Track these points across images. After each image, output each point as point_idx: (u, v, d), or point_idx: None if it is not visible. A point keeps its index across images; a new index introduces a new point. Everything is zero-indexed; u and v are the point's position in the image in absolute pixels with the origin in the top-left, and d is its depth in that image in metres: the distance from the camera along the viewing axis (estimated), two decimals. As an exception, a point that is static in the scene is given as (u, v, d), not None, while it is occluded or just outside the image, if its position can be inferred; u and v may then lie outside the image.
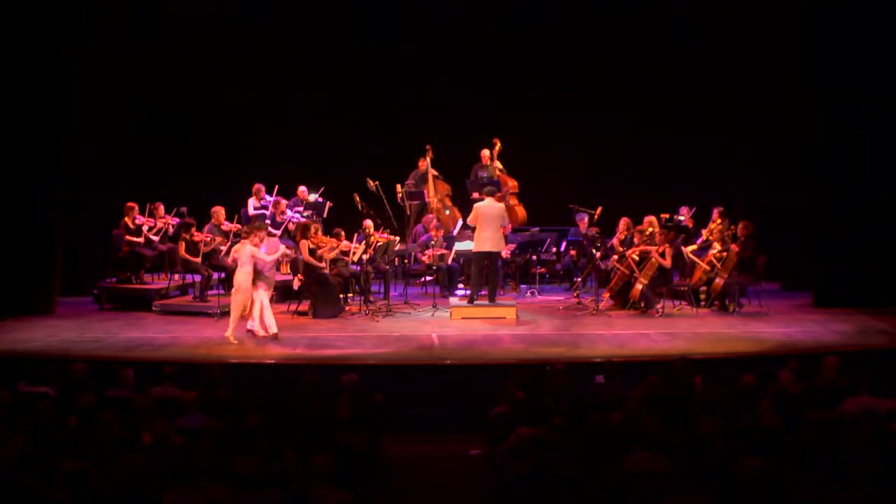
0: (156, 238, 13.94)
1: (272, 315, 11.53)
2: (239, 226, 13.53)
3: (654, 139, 16.07)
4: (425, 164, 15.32)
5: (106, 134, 14.60)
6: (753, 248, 12.75)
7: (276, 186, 14.76)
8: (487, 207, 12.76)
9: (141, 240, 13.75)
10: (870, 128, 13.05)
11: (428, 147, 15.27)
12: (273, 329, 11.44)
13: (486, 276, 12.96)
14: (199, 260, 13.15)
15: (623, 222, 13.71)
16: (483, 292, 12.92)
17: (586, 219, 14.46)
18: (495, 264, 13.08)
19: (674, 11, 15.39)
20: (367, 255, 13.14)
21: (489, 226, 12.67)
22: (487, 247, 12.70)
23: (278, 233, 14.11)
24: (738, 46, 14.95)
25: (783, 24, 13.99)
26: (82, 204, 14.22)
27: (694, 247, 13.24)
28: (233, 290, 11.41)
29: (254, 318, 11.47)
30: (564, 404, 7.84)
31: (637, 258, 12.90)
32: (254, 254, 11.30)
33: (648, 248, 12.83)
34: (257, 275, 11.40)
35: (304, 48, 15.95)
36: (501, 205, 13.18)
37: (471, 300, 12.86)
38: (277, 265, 12.38)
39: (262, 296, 11.45)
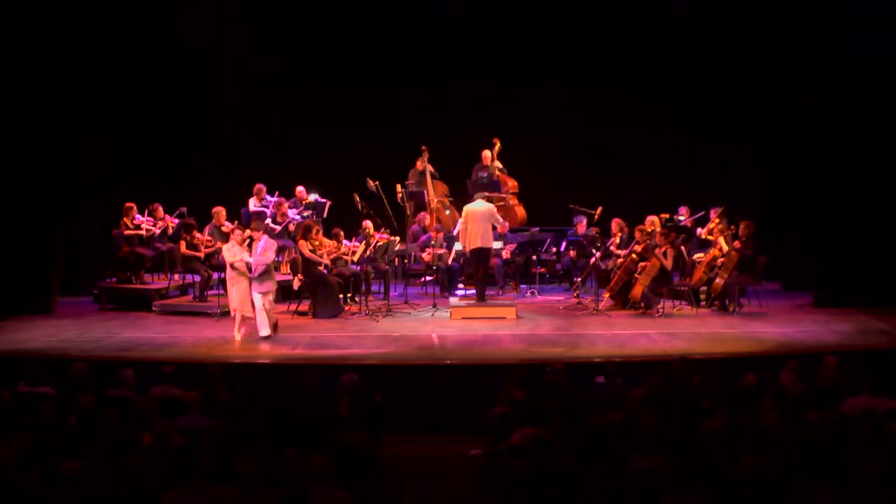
0: (155, 230, 13.92)
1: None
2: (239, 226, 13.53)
3: (655, 139, 16.07)
4: (422, 163, 15.32)
5: (106, 134, 14.61)
6: (754, 247, 12.76)
7: (279, 189, 14.74)
8: (476, 206, 12.88)
9: (142, 231, 13.74)
10: (870, 127, 13.04)
11: (424, 148, 15.27)
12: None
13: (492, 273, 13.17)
14: (200, 254, 13.17)
15: (615, 224, 13.71)
16: (490, 291, 13.11)
17: (584, 221, 14.45)
18: (486, 262, 13.07)
19: (674, 11, 15.40)
20: (368, 254, 13.14)
21: (478, 224, 12.74)
22: (478, 243, 12.76)
23: (278, 228, 14.15)
24: (738, 46, 14.96)
25: (783, 23, 13.98)
26: (82, 204, 14.22)
27: (701, 255, 13.24)
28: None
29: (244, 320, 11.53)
30: (564, 404, 7.84)
31: (636, 256, 12.91)
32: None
33: (645, 263, 12.80)
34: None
35: (304, 48, 15.96)
36: (490, 204, 13.22)
37: (479, 298, 12.93)
38: (277, 265, 12.40)
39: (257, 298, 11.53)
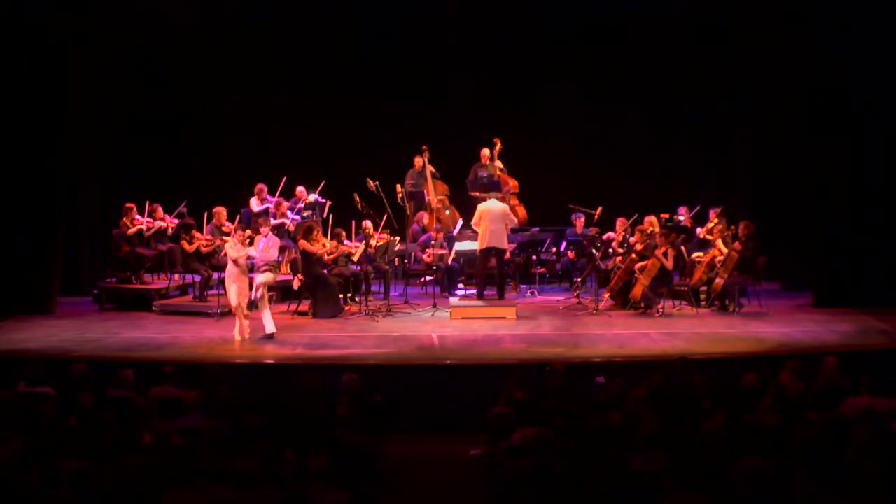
0: (161, 224, 13.92)
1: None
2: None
3: (655, 139, 16.09)
4: (422, 162, 15.33)
5: (105, 134, 14.62)
6: (754, 247, 12.76)
7: (284, 178, 14.71)
8: (491, 205, 12.91)
9: (143, 228, 13.75)
10: (870, 128, 13.05)
11: (424, 147, 15.28)
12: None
13: (493, 274, 13.10)
14: (203, 242, 13.23)
15: (620, 223, 13.73)
16: (490, 291, 13.05)
17: (583, 218, 14.48)
18: (501, 261, 13.12)
19: (674, 11, 15.40)
20: (371, 251, 13.16)
21: (492, 223, 12.76)
22: (493, 242, 12.77)
23: (289, 222, 14.16)
24: (738, 46, 14.97)
25: (784, 23, 13.98)
26: (82, 204, 14.23)
27: (700, 254, 13.25)
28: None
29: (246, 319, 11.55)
30: (564, 404, 7.84)
31: (636, 256, 12.92)
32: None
33: (644, 263, 12.79)
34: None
35: (305, 48, 15.96)
36: (504, 204, 13.26)
37: (479, 296, 12.98)
38: (277, 265, 12.41)
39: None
